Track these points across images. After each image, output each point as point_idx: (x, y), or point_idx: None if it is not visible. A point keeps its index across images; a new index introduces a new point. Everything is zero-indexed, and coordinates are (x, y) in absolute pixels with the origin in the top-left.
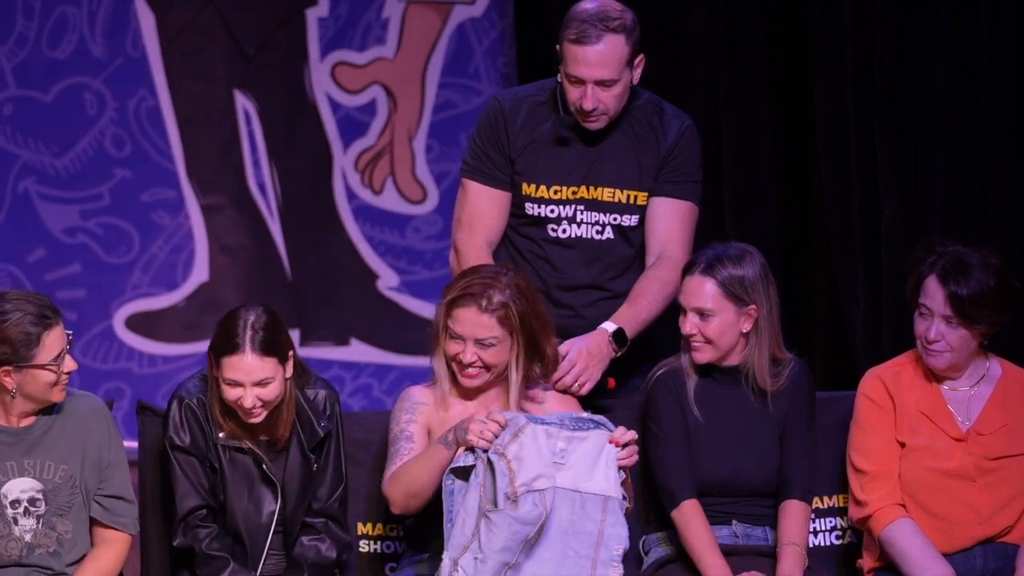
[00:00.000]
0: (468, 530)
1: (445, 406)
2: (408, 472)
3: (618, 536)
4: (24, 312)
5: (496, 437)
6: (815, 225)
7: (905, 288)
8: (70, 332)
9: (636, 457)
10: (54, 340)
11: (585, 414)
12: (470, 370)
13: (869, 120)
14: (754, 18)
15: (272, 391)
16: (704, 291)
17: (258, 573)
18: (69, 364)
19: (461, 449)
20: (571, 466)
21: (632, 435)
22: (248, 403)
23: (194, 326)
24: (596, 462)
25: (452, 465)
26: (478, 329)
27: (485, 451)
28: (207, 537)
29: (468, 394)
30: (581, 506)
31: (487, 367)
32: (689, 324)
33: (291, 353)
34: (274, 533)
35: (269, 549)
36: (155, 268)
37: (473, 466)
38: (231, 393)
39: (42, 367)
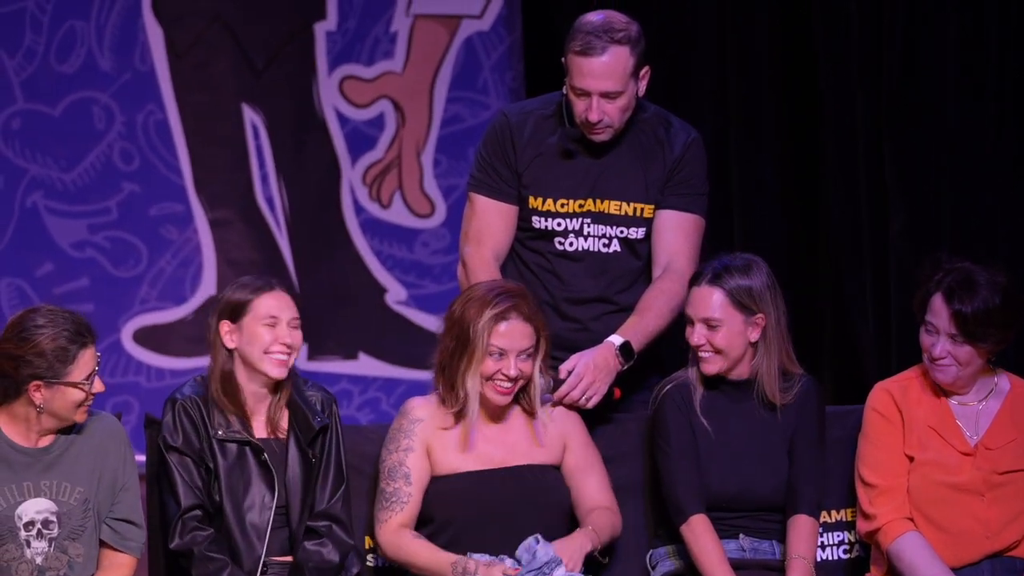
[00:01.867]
0: None
1: (447, 422)
2: (411, 556)
3: None
4: (60, 328)
5: None
6: (823, 238)
7: (912, 302)
8: (99, 354)
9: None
10: (88, 359)
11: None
12: (508, 385)
13: (877, 132)
14: (761, 29)
15: (299, 336)
16: (712, 301)
17: (257, 574)
18: (98, 386)
19: None
20: None
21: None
22: (288, 337)
23: (202, 340)
24: None
25: None
26: (523, 340)
27: None
28: (205, 540)
29: (492, 415)
30: None
31: (524, 378)
32: (697, 335)
33: None
34: (273, 531)
35: (268, 554)
36: (163, 282)
37: None
38: (268, 335)
39: (73, 385)
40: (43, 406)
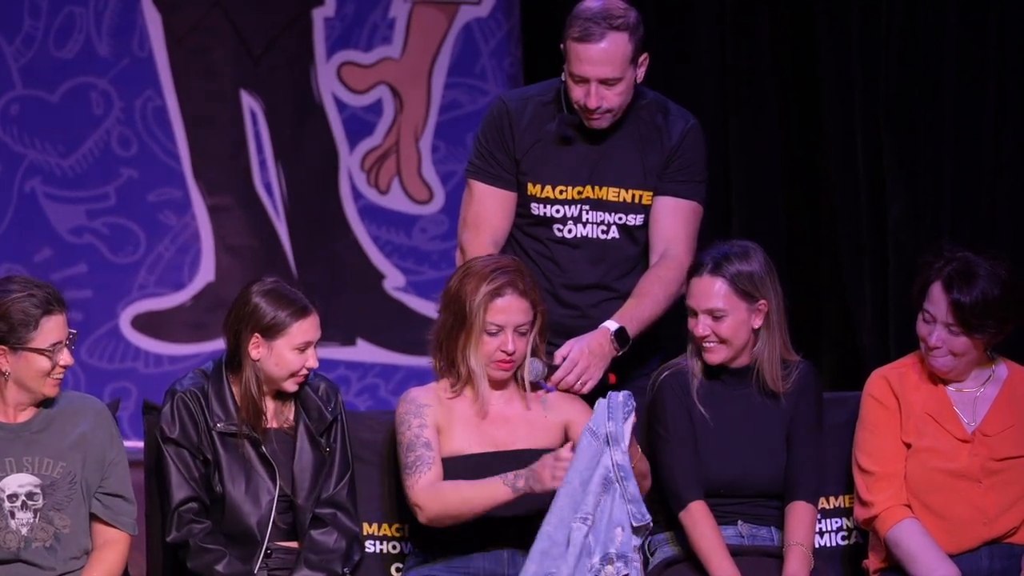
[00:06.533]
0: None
1: (451, 406)
2: (457, 495)
3: (590, 551)
4: (29, 294)
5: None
6: (823, 226)
7: (911, 289)
8: (74, 331)
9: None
10: (53, 327)
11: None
12: (509, 360)
13: (876, 117)
14: (762, 19)
15: (316, 354)
16: (715, 291)
17: (258, 564)
18: (66, 358)
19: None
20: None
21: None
22: (314, 360)
23: (200, 326)
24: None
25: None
26: (519, 315)
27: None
28: (201, 532)
29: (494, 386)
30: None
31: (521, 355)
32: (702, 326)
33: None
34: (275, 521)
35: (271, 541)
36: (161, 268)
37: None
38: (297, 360)
39: (37, 351)
40: (9, 373)
